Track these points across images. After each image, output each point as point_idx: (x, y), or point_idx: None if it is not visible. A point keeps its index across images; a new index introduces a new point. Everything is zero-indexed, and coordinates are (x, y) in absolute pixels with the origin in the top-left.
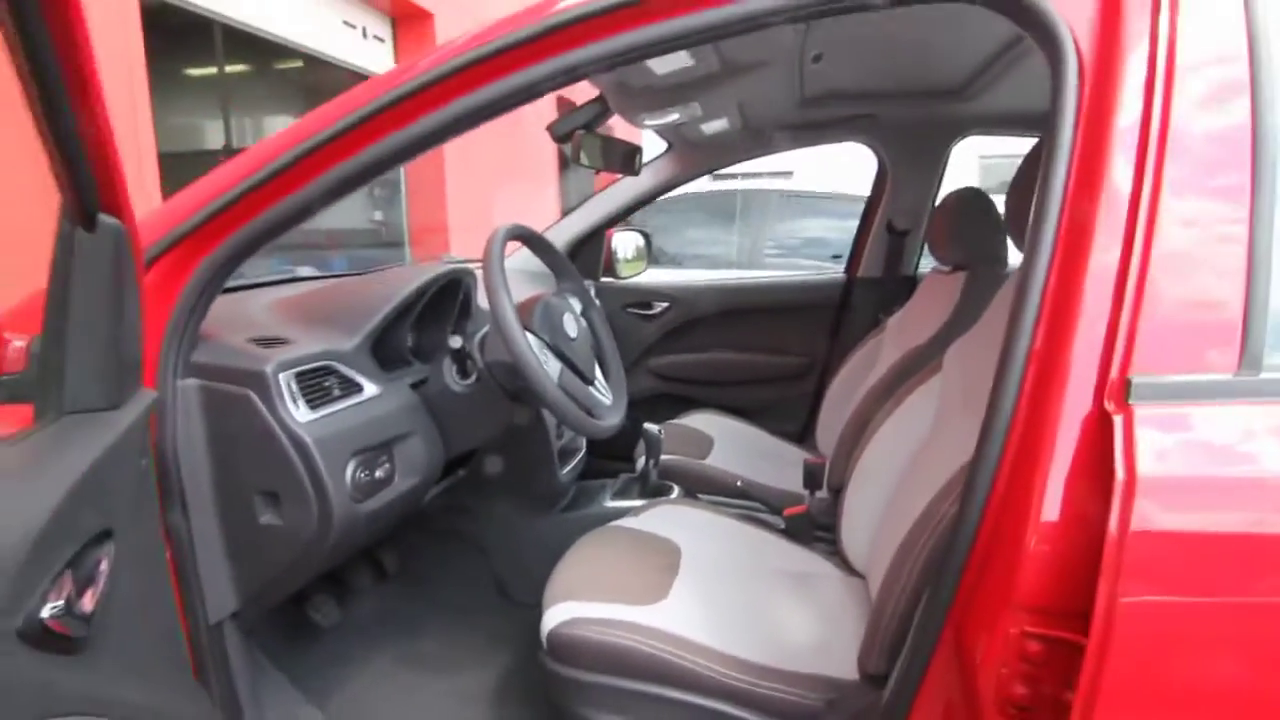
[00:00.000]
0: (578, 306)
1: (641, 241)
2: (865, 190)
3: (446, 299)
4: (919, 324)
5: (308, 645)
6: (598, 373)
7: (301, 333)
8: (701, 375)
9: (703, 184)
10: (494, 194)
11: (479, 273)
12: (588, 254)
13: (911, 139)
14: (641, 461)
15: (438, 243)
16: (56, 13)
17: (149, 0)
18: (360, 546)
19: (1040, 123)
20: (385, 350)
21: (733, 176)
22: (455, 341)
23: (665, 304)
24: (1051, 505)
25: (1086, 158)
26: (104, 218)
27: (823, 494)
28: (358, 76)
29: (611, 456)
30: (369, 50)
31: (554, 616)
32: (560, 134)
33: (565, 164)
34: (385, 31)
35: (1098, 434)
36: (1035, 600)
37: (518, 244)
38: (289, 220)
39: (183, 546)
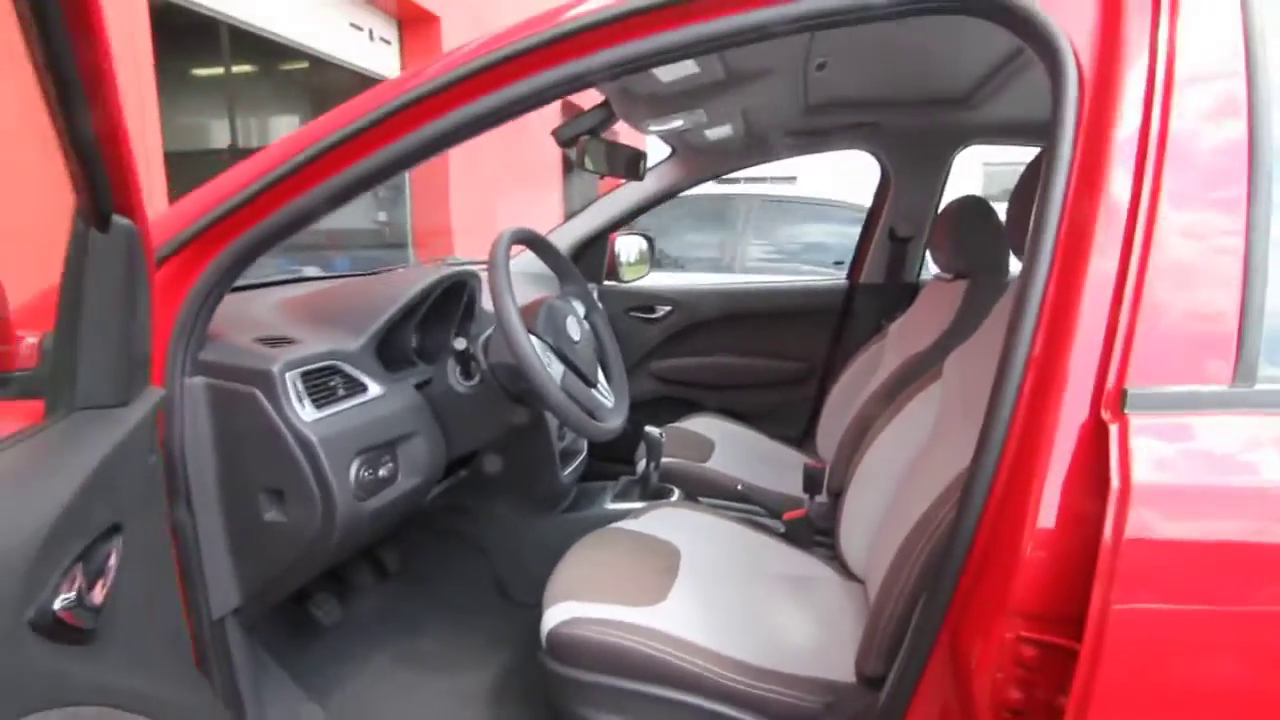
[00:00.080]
0: (581, 310)
1: (645, 245)
2: (851, 198)
3: (451, 301)
4: (920, 331)
5: (308, 642)
6: (600, 376)
7: (308, 332)
8: (703, 379)
9: None
10: (498, 197)
11: (483, 275)
12: (591, 257)
13: (914, 147)
14: (642, 464)
15: (441, 245)
16: (77, 13)
17: (156, 0)
18: (362, 545)
19: (1043, 133)
20: (390, 351)
21: (736, 181)
22: (459, 343)
23: (668, 308)
24: (1048, 512)
25: (1086, 168)
26: (117, 219)
27: (822, 498)
28: (363, 78)
29: (612, 459)
30: (375, 52)
31: (554, 616)
32: (565, 139)
33: (569, 167)
34: (392, 34)
35: (1094, 442)
36: (1030, 606)
37: (521, 246)
38: (297, 223)
39: (187, 542)
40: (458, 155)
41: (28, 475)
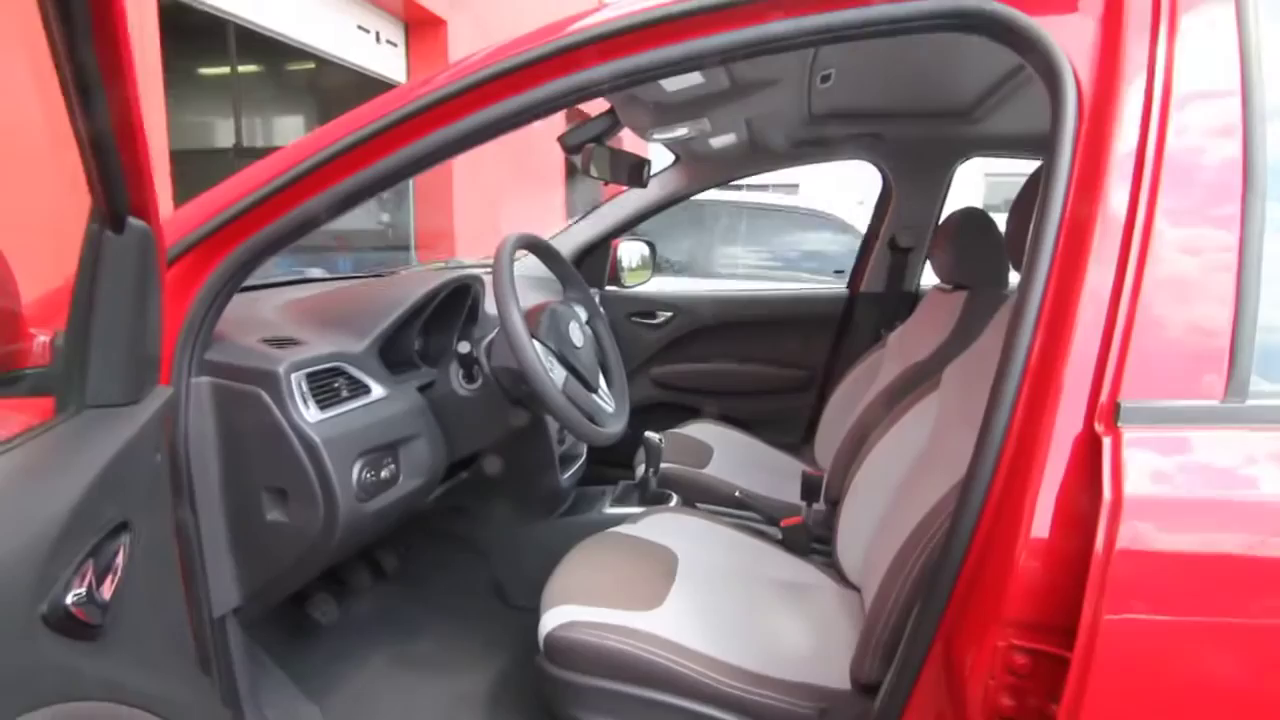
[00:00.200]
0: (583, 315)
1: (646, 251)
2: (824, 207)
3: (455, 304)
4: (919, 341)
5: (306, 643)
6: (601, 381)
7: (313, 334)
8: (703, 385)
9: None
10: (501, 201)
11: (487, 279)
12: (593, 262)
13: (916, 158)
14: (641, 469)
15: (444, 247)
16: (102, 20)
17: (165, 0)
18: (363, 546)
19: (1044, 146)
20: (393, 353)
21: (737, 188)
22: (463, 347)
23: (669, 313)
24: (1041, 522)
25: (1084, 184)
26: (132, 220)
27: (820, 506)
28: (370, 80)
29: (612, 463)
30: (382, 55)
31: (551, 619)
32: (571, 146)
33: (571, 172)
34: (398, 37)
35: (1087, 454)
36: (1023, 615)
37: (524, 251)
38: (304, 226)
39: (190, 540)
40: (461, 159)
41: (41, 471)
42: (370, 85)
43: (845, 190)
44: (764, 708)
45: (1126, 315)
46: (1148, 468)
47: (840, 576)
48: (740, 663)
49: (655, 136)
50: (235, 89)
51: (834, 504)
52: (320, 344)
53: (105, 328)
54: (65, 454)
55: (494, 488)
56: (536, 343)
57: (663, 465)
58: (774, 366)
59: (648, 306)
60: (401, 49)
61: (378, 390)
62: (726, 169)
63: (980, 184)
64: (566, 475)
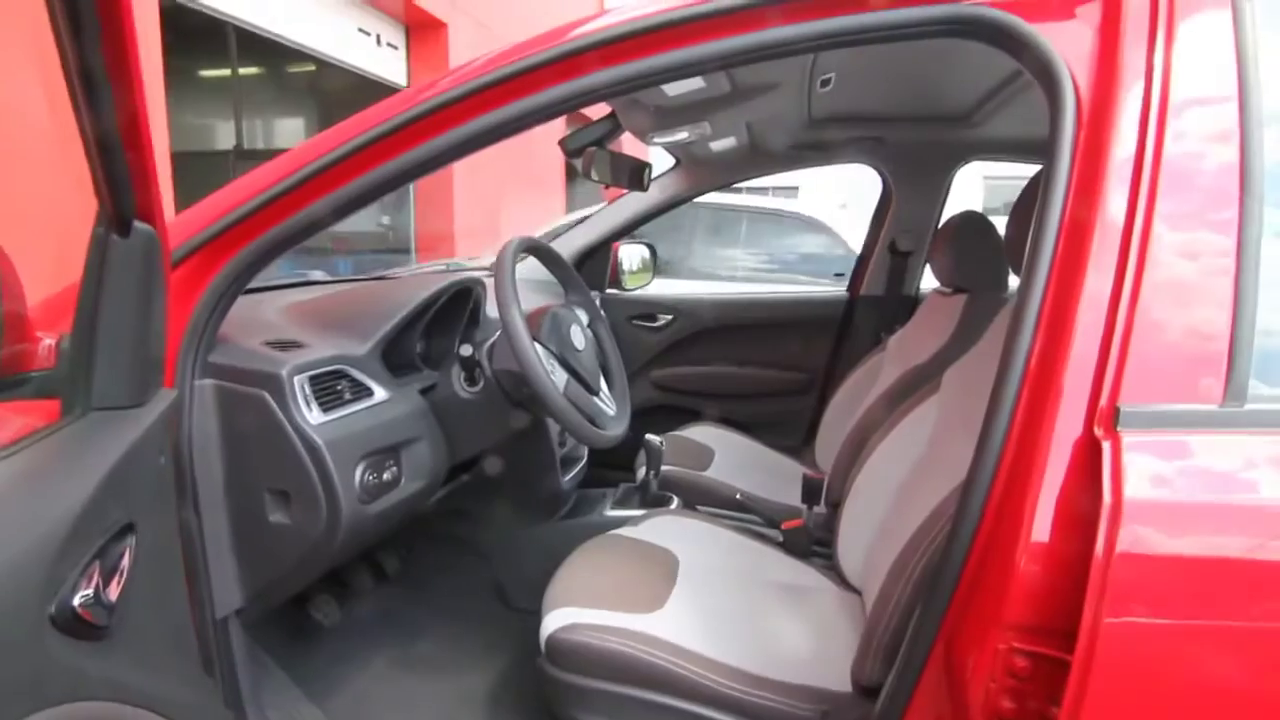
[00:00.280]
0: (585, 318)
1: (647, 254)
2: (806, 210)
3: (457, 307)
4: (919, 344)
5: (308, 644)
6: (603, 383)
7: (315, 337)
8: (704, 388)
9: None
10: (501, 203)
11: (488, 282)
12: (594, 265)
13: (916, 162)
14: (642, 471)
15: (444, 249)
16: (110, 27)
17: (166, 1)
18: (365, 548)
19: (1043, 150)
20: (395, 356)
21: (737, 191)
22: (464, 349)
23: (669, 316)
24: (1041, 526)
25: (1083, 189)
26: (138, 224)
27: (820, 509)
28: (370, 83)
29: (612, 466)
30: (382, 57)
31: (553, 622)
32: (572, 150)
33: (571, 175)
34: (399, 40)
35: (1087, 458)
36: (1023, 618)
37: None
38: (308, 229)
39: (193, 542)
40: (462, 163)
41: (48, 474)
42: (371, 88)
43: (828, 193)
44: (765, 710)
45: (1125, 319)
46: (1147, 472)
47: (841, 579)
48: (741, 665)
49: (656, 140)
50: (236, 91)
51: (835, 507)
52: (323, 347)
53: (110, 331)
54: (72, 456)
55: (495, 490)
56: (538, 345)
57: (663, 468)
58: (774, 369)
59: (648, 309)
60: (402, 51)
61: (380, 393)
62: (727, 172)
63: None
64: (567, 478)
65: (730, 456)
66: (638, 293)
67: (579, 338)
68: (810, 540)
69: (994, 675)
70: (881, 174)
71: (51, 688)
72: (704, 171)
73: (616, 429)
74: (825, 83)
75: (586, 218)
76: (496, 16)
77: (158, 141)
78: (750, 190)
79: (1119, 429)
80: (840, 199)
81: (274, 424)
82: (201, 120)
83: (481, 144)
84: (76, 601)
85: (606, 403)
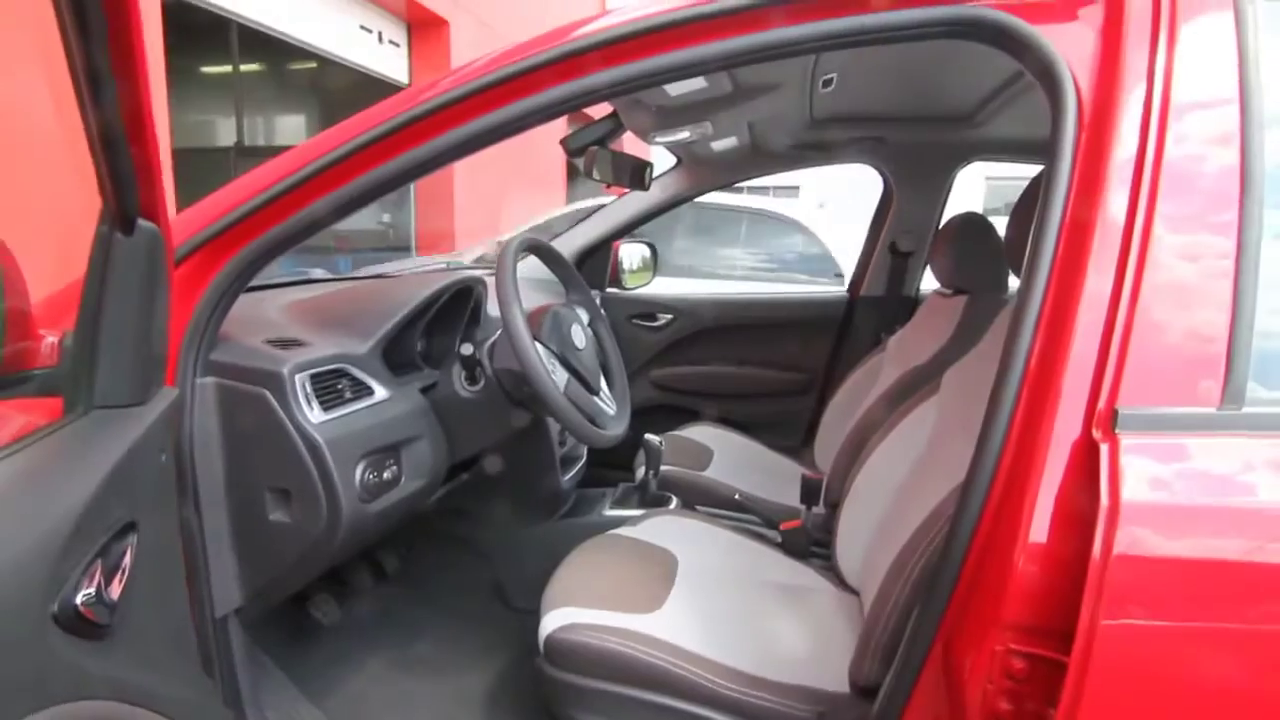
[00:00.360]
0: (585, 317)
1: (648, 253)
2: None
3: (457, 306)
4: (919, 345)
5: (307, 643)
6: (603, 383)
7: (316, 335)
8: (703, 387)
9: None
10: (501, 201)
11: (489, 281)
12: (594, 265)
13: (918, 162)
14: (641, 471)
15: (445, 248)
16: (116, 19)
17: None
18: (365, 546)
19: (1045, 151)
20: (396, 355)
21: (739, 190)
22: (465, 348)
23: (670, 316)
24: (1040, 527)
25: (1084, 190)
26: (142, 222)
27: (819, 509)
28: (372, 80)
29: (612, 465)
30: (384, 55)
31: (552, 621)
32: (574, 149)
33: (572, 173)
34: (401, 37)
35: (1085, 460)
36: (1021, 619)
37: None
38: (310, 228)
39: (193, 540)
40: (462, 161)
41: (51, 472)
42: (372, 85)
43: (807, 193)
44: (763, 710)
45: (1125, 321)
46: (1145, 474)
47: (839, 580)
48: (739, 665)
49: (657, 140)
50: (237, 88)
51: (833, 507)
52: (324, 345)
53: (113, 329)
54: (74, 455)
55: (495, 489)
56: (539, 345)
57: (663, 468)
58: (774, 369)
59: (648, 309)
60: (404, 49)
61: (381, 392)
62: (728, 172)
63: (981, 187)
64: (567, 477)
65: (729, 457)
66: (637, 292)
67: (580, 337)
68: (809, 541)
69: (991, 676)
70: (883, 174)
71: (54, 686)
72: (705, 171)
73: (616, 428)
74: (827, 83)
75: (582, 209)
76: (498, 15)
77: (160, 139)
78: (752, 190)
79: (1117, 431)
80: (819, 199)
81: (275, 422)
82: (203, 117)
83: (483, 144)
84: (79, 600)
85: (606, 402)
